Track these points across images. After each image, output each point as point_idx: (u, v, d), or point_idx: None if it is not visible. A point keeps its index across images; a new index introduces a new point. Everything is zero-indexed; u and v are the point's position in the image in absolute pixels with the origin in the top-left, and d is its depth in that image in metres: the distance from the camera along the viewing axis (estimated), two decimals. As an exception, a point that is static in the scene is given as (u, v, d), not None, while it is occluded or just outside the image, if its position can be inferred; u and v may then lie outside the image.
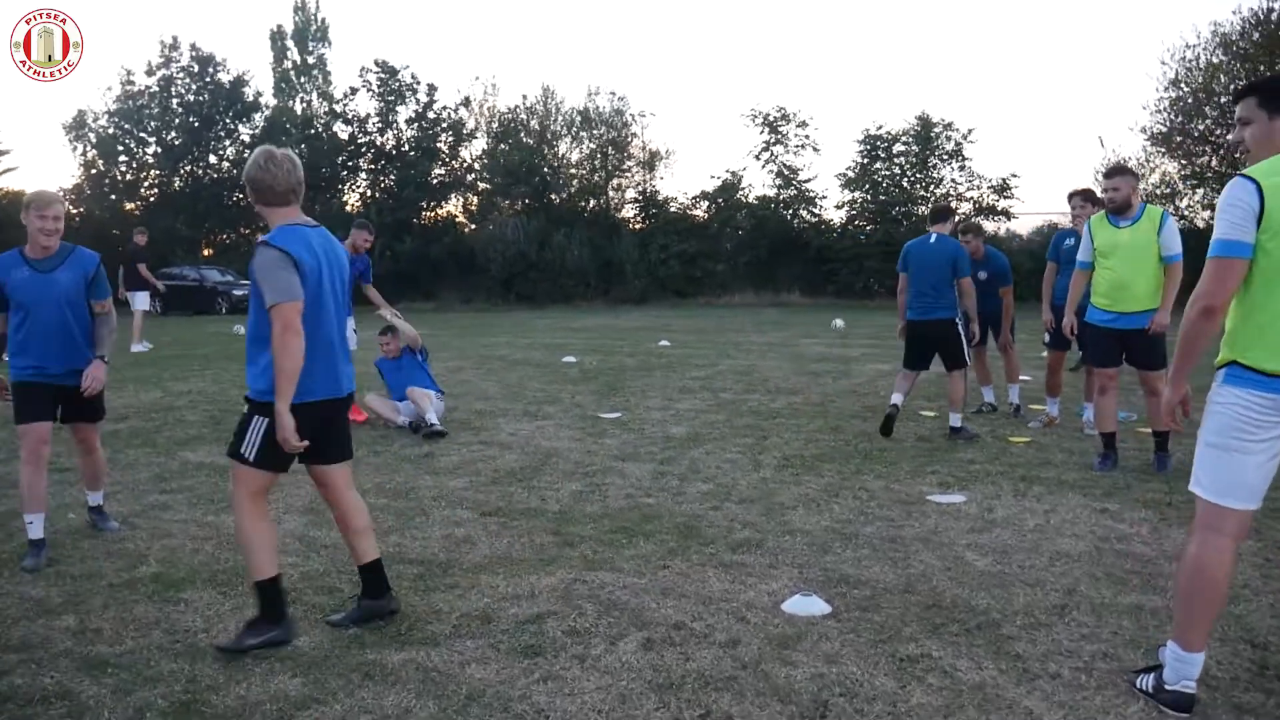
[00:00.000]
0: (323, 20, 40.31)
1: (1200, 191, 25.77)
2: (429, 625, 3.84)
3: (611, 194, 33.90)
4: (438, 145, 33.45)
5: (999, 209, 28.95)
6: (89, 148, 33.47)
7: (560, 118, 33.98)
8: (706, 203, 31.96)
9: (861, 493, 5.84)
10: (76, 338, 4.83)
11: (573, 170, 33.95)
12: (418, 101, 33.47)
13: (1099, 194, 7.01)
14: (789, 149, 31.49)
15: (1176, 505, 5.44)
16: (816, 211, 31.37)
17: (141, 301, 16.16)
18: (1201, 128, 25.28)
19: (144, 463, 6.96)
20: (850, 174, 30.05)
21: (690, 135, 57.64)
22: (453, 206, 34.80)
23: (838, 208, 31.09)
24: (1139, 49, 60.11)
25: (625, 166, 33.88)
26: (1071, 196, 7.78)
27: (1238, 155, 3.12)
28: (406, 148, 33.29)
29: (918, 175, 29.50)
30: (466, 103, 34.39)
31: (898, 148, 29.66)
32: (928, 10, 62.90)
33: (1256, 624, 3.73)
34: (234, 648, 3.58)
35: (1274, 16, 23.56)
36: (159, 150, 33.14)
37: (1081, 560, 4.52)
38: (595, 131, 33.66)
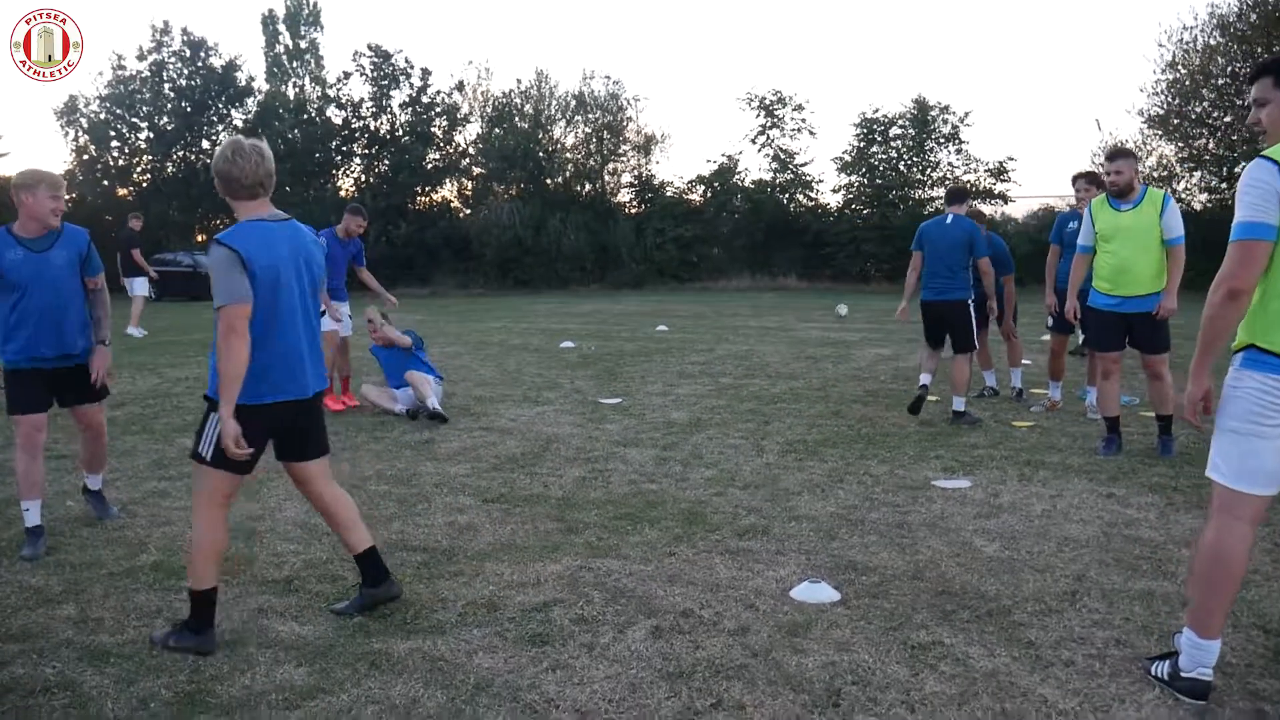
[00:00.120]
0: (314, 4, 40.03)
1: (1198, 174, 25.73)
2: (435, 614, 3.80)
3: (607, 178, 33.78)
4: (432, 130, 33.26)
5: (996, 192, 28.90)
6: (81, 133, 33.24)
7: (554, 102, 33.81)
8: (703, 187, 31.85)
9: (866, 478, 5.80)
10: (71, 320, 4.75)
11: (568, 154, 33.80)
12: (411, 86, 33.27)
13: (1102, 176, 6.97)
14: (785, 133, 31.40)
15: (1183, 490, 5.42)
16: (813, 195, 31.29)
17: (140, 287, 16.03)
18: (1199, 110, 25.20)
19: (142, 449, 6.91)
20: (847, 157, 29.95)
21: (686, 119, 57.48)
22: (448, 191, 34.64)
23: (834, 191, 31.04)
24: (1136, 31, 59.99)
25: (621, 151, 33.74)
26: (1076, 179, 7.74)
27: (1259, 134, 3.02)
28: (400, 133, 33.10)
29: (914, 159, 29.40)
30: (460, 87, 34.19)
31: (894, 131, 29.56)
32: (923, -7, 62.63)
33: (1269, 610, 3.70)
34: (157, 642, 3.54)
35: (1271, -2, 23.49)
36: (151, 136, 32.92)
37: (1090, 546, 4.49)
38: (590, 115, 33.50)
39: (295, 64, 39.48)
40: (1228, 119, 24.73)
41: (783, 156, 31.28)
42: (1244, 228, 2.83)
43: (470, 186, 34.20)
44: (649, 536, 4.73)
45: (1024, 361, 8.78)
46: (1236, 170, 24.98)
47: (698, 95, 61.56)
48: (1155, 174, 25.48)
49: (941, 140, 29.19)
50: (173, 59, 33.48)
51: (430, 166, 33.23)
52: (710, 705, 3.02)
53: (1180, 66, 25.30)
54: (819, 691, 3.09)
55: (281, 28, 39.56)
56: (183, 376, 10.57)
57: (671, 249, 30.30)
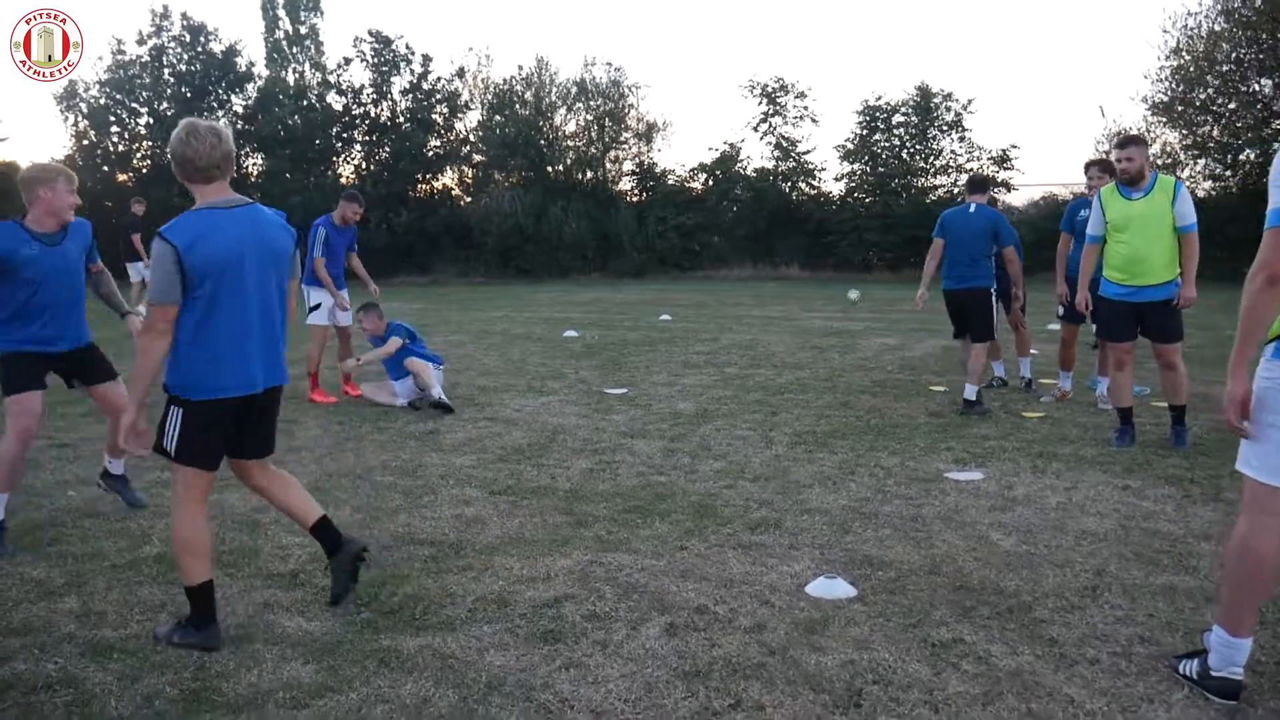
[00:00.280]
0: (315, -11, 39.81)
1: (1202, 162, 25.58)
2: (444, 609, 3.73)
3: (608, 166, 33.59)
4: (433, 117, 33.08)
5: (999, 180, 28.75)
6: (80, 118, 33.08)
7: (555, 89, 33.61)
8: (704, 175, 31.67)
9: (878, 470, 5.73)
10: (80, 307, 4.74)
11: (569, 142, 33.61)
12: (412, 72, 33.06)
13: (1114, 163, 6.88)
14: (787, 120, 31.17)
15: (1199, 482, 5.35)
16: (815, 184, 31.09)
17: (141, 271, 15.92)
18: (1203, 97, 25.04)
19: (143, 440, 6.82)
20: (849, 145, 29.75)
21: (688, 106, 57.16)
22: (448, 179, 34.46)
23: (837, 180, 30.82)
24: (1140, 17, 59.57)
25: (622, 138, 33.54)
26: (1089, 166, 7.65)
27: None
28: (401, 119, 32.91)
29: (917, 146, 29.21)
30: (461, 74, 33.98)
31: (897, 119, 29.36)
32: (926, -20, 62.29)
33: (1295, 606, 3.63)
34: (161, 638, 3.47)
35: (1277, -16, 23.31)
36: (151, 121, 32.72)
37: (1109, 540, 4.42)
38: (591, 103, 33.30)
39: (295, 50, 39.24)
40: (1232, 106, 24.60)
41: (785, 144, 31.08)
42: (1278, 214, 2.74)
43: (471, 174, 34.02)
44: (659, 530, 4.66)
45: (1031, 351, 8.70)
46: (1241, 158, 24.88)
47: (700, 82, 61.24)
48: (1159, 161, 25.33)
49: (944, 128, 29.00)
50: (172, 44, 33.29)
51: (431, 154, 33.06)
52: (729, 705, 2.95)
53: (1185, 53, 25.13)
54: (839, 691, 3.02)
55: (281, 13, 39.31)
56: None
57: (673, 237, 30.15)
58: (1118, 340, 6.36)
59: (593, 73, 33.31)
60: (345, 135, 33.59)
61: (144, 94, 32.64)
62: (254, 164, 34.95)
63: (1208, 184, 25.34)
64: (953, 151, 29.12)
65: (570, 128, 33.77)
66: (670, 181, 32.08)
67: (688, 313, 16.66)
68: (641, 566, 4.15)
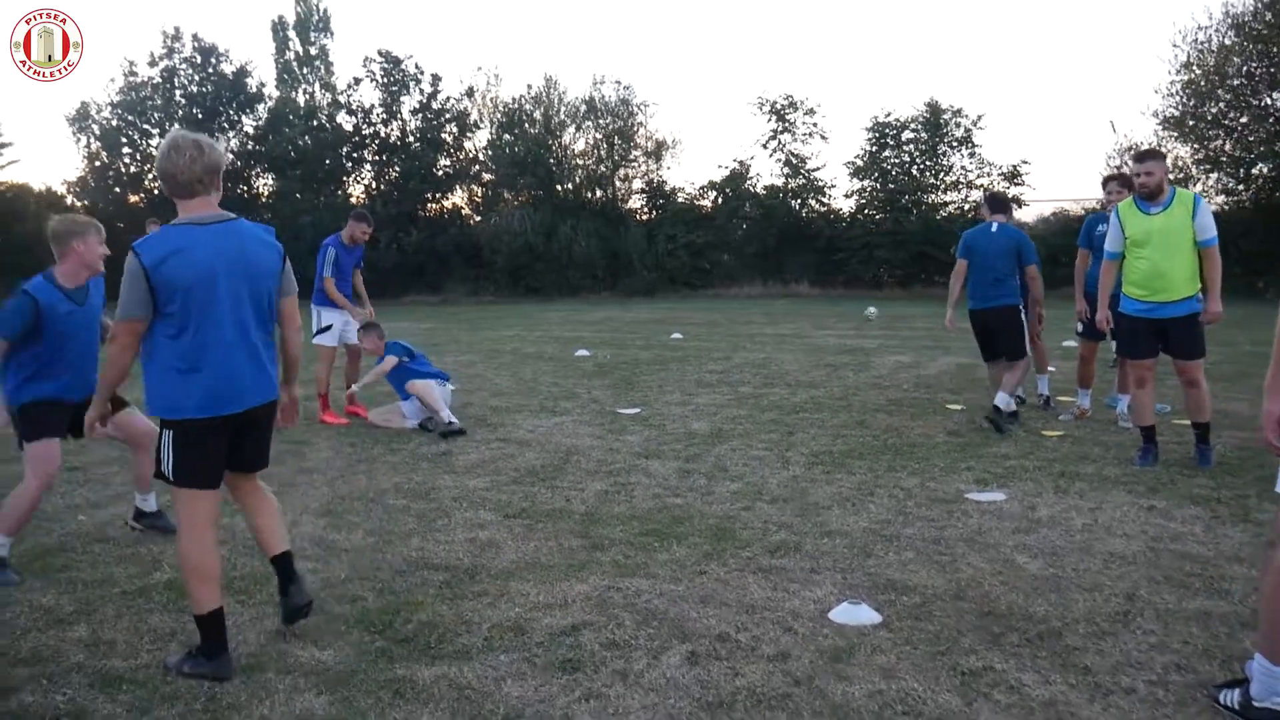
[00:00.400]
0: (324, 10, 40.09)
1: (1214, 176, 25.46)
2: (459, 637, 3.65)
3: (618, 184, 33.62)
4: (442, 136, 33.17)
5: (1010, 196, 28.67)
6: (92, 140, 33.28)
7: (564, 108, 33.67)
8: (714, 193, 31.65)
9: (897, 491, 5.64)
10: (96, 356, 4.68)
11: (578, 161, 33.65)
12: (422, 92, 33.18)
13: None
14: (797, 137, 31.14)
15: (1227, 502, 5.25)
16: (825, 200, 31.04)
17: None
18: (1215, 111, 24.94)
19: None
20: (859, 162, 29.71)
21: (697, 124, 57.28)
22: (458, 198, 34.52)
23: (846, 196, 30.75)
24: (1149, 31, 59.51)
25: (631, 157, 33.57)
26: (1108, 181, 7.58)
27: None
28: (411, 139, 33.02)
29: (927, 163, 29.15)
30: (470, 93, 34.10)
31: (907, 135, 29.31)
32: (933, -3, 62.43)
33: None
34: (171, 668, 3.40)
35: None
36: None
37: (1138, 562, 4.32)
38: (601, 121, 33.36)
39: (305, 70, 39.53)
40: (1244, 120, 24.49)
41: (794, 161, 31.06)
42: None
43: (481, 193, 34.08)
44: (677, 554, 4.57)
45: (1049, 368, 8.60)
46: (1254, 172, 24.76)
47: (709, 100, 61.34)
48: (1171, 176, 25.19)
49: (954, 144, 28.94)
50: (184, 65, 33.51)
51: (441, 173, 33.14)
52: (754, 738, 2.86)
53: (1195, 67, 25.05)
54: (868, 723, 2.93)
55: (292, 34, 39.62)
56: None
57: (683, 255, 30.11)
58: (1139, 357, 6.26)
59: (602, 91, 33.38)
60: (355, 155, 33.70)
61: (156, 115, 32.83)
62: (264, 184, 35.08)
63: (1220, 198, 25.20)
64: (963, 167, 29.05)
65: (579, 146, 33.82)
66: (680, 199, 32.07)
67: (699, 331, 16.59)
68: (660, 592, 4.07)
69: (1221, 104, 24.86)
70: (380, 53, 32.93)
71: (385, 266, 28.82)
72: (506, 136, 32.73)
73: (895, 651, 3.43)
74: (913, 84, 60.62)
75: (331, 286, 8.22)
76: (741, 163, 31.48)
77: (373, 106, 33.30)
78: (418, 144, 32.81)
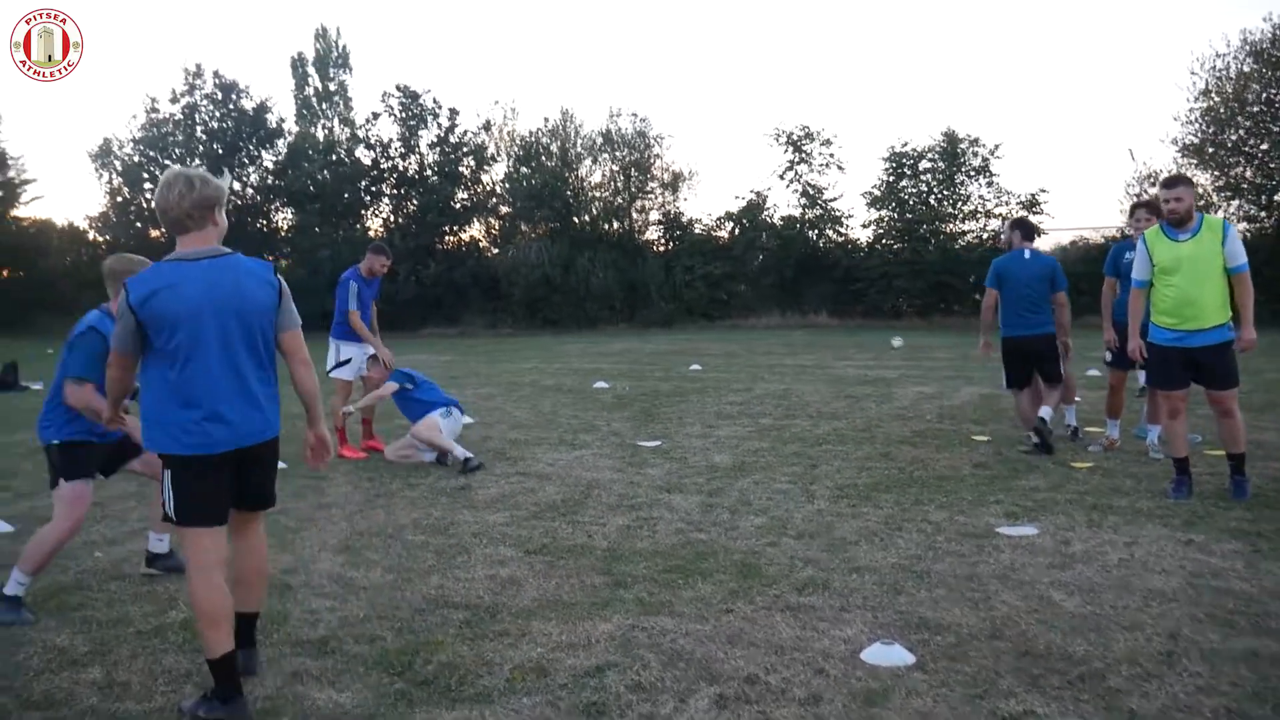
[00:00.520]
0: (343, 47, 40.54)
1: (1236, 203, 25.29)
2: (480, 679, 3.56)
3: (635, 216, 33.69)
4: (460, 169, 33.36)
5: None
6: (114, 175, 33.65)
7: (581, 140, 33.82)
8: (731, 224, 31.66)
9: (925, 525, 5.51)
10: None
11: (595, 193, 33.76)
12: (439, 126, 33.41)
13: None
14: (813, 168, 31.18)
15: (1267, 535, 5.10)
16: (843, 231, 31.01)
17: None
18: (1234, 138, 24.83)
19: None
20: (876, 192, 29.68)
21: (713, 155, 57.50)
22: (476, 231, 34.66)
23: (864, 226, 30.70)
24: (1167, 59, 59.58)
25: (648, 188, 33.66)
26: (1136, 208, 7.48)
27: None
28: (429, 172, 33.22)
29: (945, 192, 29.09)
30: (487, 126, 34.32)
31: (924, 164, 29.28)
32: (950, 26, 62.66)
33: (1390, 674, 3.39)
34: (186, 712, 3.32)
35: (1306, 24, 23.16)
36: (183, 178, 33.25)
37: (1179, 600, 4.18)
38: (617, 153, 33.48)
39: (324, 105, 39.92)
40: (1265, 146, 24.35)
41: (811, 192, 31.06)
42: None
43: (498, 226, 34.21)
44: (702, 591, 4.46)
45: (1075, 398, 8.46)
46: (1276, 199, 24.57)
47: (725, 131, 61.63)
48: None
49: (972, 173, 28.88)
50: (205, 101, 33.89)
51: (458, 206, 33.30)
52: (788, 788, 2.75)
53: (1214, 94, 24.95)
54: (907, 771, 2.81)
55: (311, 70, 40.05)
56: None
57: (700, 287, 30.08)
58: (1171, 388, 6.13)
59: (618, 123, 33.54)
60: (374, 189, 33.92)
61: (177, 151, 33.17)
62: (284, 218, 35.31)
63: (1242, 225, 25.01)
64: (981, 197, 28.98)
65: (596, 178, 33.95)
66: (697, 231, 32.10)
67: (718, 362, 16.51)
68: (686, 631, 3.96)
69: (1241, 131, 24.75)
70: (398, 87, 33.22)
71: (403, 299, 28.91)
72: (523, 169, 32.90)
73: (931, 694, 3.31)
74: (929, 114, 60.83)
75: (357, 319, 8.20)
76: (758, 193, 31.51)
77: (391, 140, 33.55)
78: (435, 177, 33.01)
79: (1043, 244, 28.29)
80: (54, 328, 34.07)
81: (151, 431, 3.34)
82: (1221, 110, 24.67)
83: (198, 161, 32.94)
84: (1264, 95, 24.11)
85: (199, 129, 33.78)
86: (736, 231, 31.49)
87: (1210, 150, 24.90)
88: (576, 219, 32.59)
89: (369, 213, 34.39)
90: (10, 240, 37.19)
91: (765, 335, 24.58)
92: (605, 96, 71.09)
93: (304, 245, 32.36)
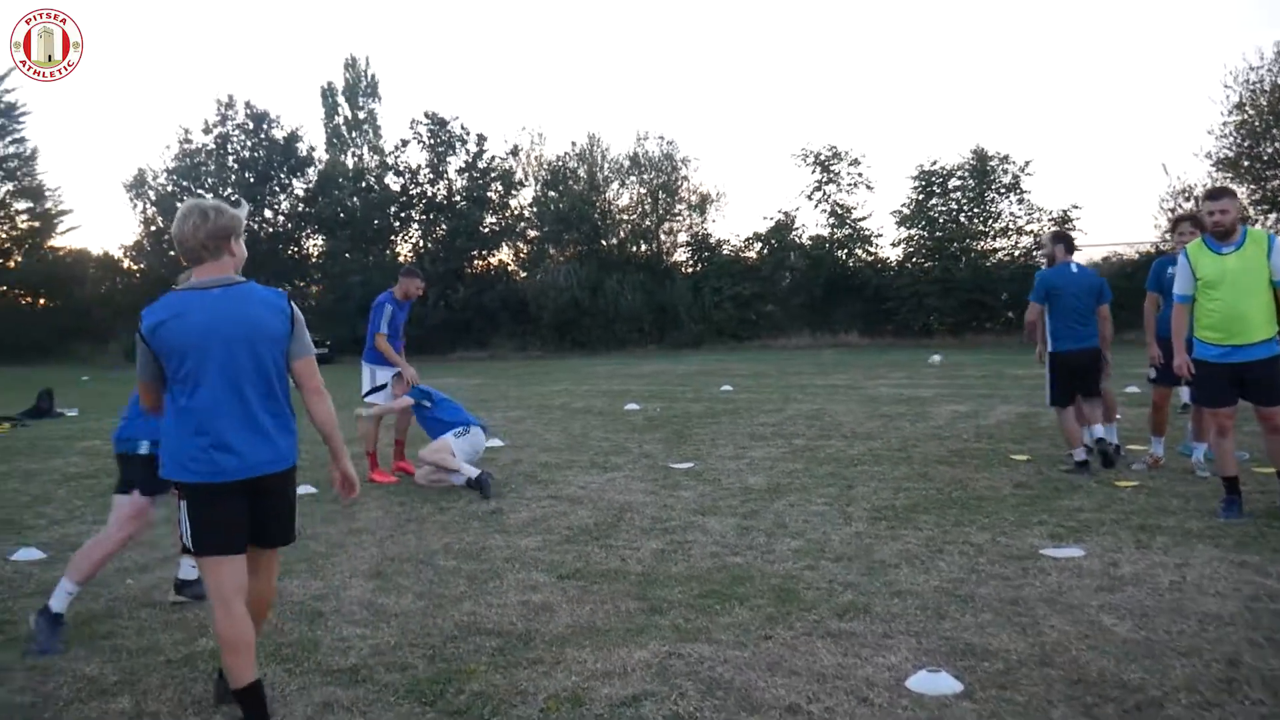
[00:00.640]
0: (372, 76, 41.04)
1: (1273, 216, 24.94)
2: (514, 708, 3.46)
3: (663, 238, 33.73)
4: (488, 194, 33.57)
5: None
6: (148, 205, 34.15)
7: (608, 164, 33.95)
8: (759, 244, 31.61)
9: (967, 547, 5.37)
10: None
11: (623, 215, 33.84)
12: (467, 152, 33.69)
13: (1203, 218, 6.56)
14: (842, 188, 31.13)
15: (1324, 557, 4.92)
16: (872, 250, 30.89)
17: None
18: (1270, 151, 24.53)
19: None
20: (905, 210, 29.58)
21: (741, 176, 57.69)
22: (504, 255, 34.85)
23: (894, 245, 30.59)
24: (1200, 73, 59.06)
25: (676, 210, 33.71)
26: (1179, 221, 7.32)
27: None
28: (457, 198, 33.45)
29: (975, 210, 28.92)
30: (515, 152, 34.55)
31: (953, 183, 29.15)
32: (978, 43, 62.51)
33: None
34: None
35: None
36: (216, 207, 33.71)
37: (1236, 624, 4.02)
38: (645, 176, 33.57)
39: (354, 134, 40.38)
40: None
41: (840, 211, 30.99)
42: None
43: (526, 249, 34.37)
44: (740, 617, 4.35)
45: (1116, 416, 8.27)
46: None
47: (753, 153, 61.80)
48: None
49: (1002, 190, 28.71)
50: (237, 132, 34.36)
51: (487, 230, 33.50)
52: (836, 824, 2.63)
53: (1248, 107, 24.70)
54: (959, 806, 2.69)
55: (341, 99, 40.54)
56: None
57: (729, 308, 30.02)
58: (1218, 406, 5.96)
59: (645, 147, 33.66)
60: (403, 215, 34.20)
61: (209, 180, 33.64)
62: (314, 245, 35.64)
63: (1280, 240, 24.65)
64: (1012, 214, 28.80)
65: (624, 201, 34.06)
66: (725, 252, 32.10)
67: (749, 383, 16.38)
68: (724, 658, 3.85)
69: (1278, 143, 24.42)
70: (427, 114, 33.53)
71: (433, 323, 29.04)
72: (551, 193, 33.07)
73: (981, 724, 3.19)
74: (958, 132, 60.58)
75: (383, 342, 8.17)
76: (786, 214, 31.50)
77: (420, 167, 33.84)
78: (464, 202, 33.23)
79: (1077, 260, 28.07)
80: (89, 355, 34.53)
81: (164, 459, 3.32)
82: (1256, 123, 24.42)
83: (230, 190, 33.39)
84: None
85: (231, 158, 34.24)
86: (765, 252, 31.45)
87: (1246, 164, 24.62)
88: (604, 242, 32.69)
89: (398, 238, 34.68)
90: (46, 269, 37.80)
91: (795, 355, 24.43)
92: (633, 120, 71.48)
93: (334, 271, 32.61)
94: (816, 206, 31.36)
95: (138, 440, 4.48)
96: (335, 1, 67.98)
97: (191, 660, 4.09)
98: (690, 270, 32.39)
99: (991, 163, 28.64)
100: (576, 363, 25.09)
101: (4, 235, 39.35)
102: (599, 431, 10.72)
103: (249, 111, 34.38)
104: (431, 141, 33.50)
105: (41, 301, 38.49)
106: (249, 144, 34.32)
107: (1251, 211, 24.98)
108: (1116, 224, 75.41)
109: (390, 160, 34.85)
